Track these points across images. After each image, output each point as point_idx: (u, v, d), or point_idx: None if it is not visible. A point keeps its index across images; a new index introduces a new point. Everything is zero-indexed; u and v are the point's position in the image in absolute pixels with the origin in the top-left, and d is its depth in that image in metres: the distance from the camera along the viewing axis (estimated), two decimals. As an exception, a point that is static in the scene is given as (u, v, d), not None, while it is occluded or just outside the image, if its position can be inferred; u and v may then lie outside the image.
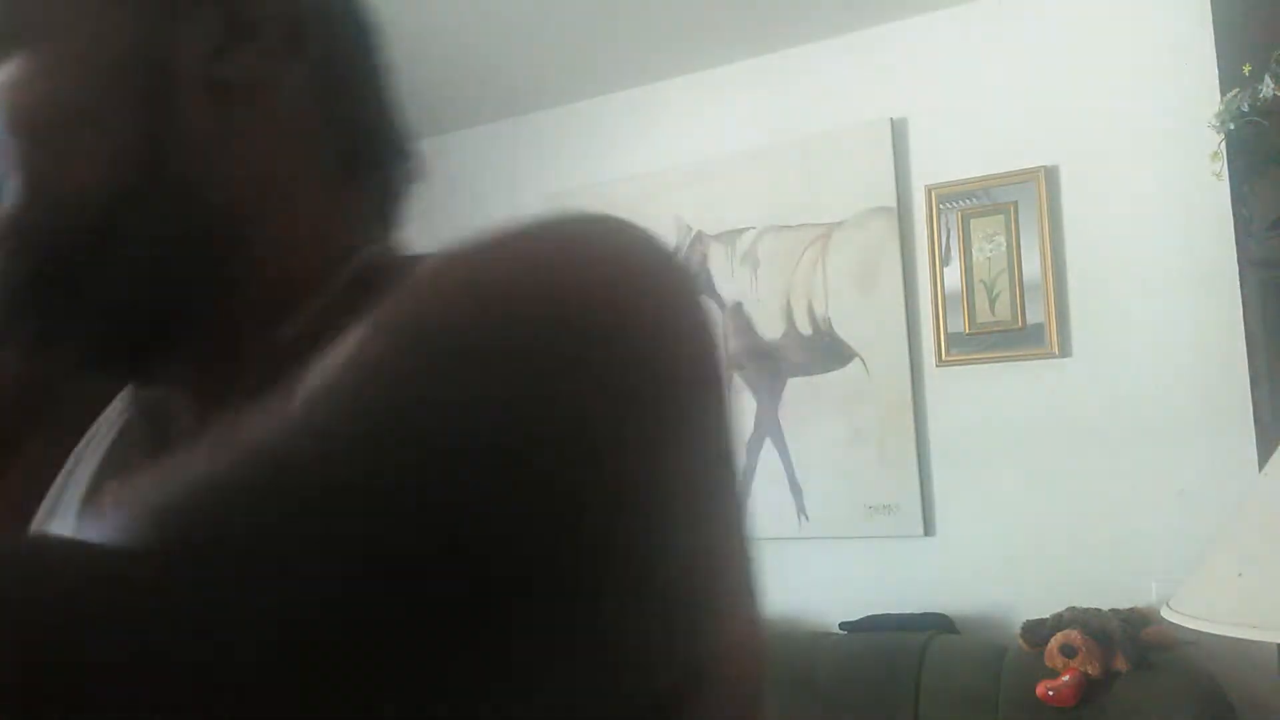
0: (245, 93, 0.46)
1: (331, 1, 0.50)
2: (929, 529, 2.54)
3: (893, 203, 2.61)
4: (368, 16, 0.52)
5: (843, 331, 2.65)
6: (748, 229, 2.79)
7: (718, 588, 0.35)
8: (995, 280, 2.48)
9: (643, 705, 0.33)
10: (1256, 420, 2.08)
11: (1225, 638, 1.27)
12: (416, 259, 0.44)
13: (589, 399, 0.31)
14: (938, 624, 2.38)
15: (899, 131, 2.63)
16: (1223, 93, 2.05)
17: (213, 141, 0.45)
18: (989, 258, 2.49)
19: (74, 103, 0.43)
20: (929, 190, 2.57)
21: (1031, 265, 2.44)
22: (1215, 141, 2.07)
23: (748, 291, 2.78)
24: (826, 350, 2.67)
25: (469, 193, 2.97)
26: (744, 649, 0.38)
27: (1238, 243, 2.11)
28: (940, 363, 2.54)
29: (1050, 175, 2.44)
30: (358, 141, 0.50)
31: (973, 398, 2.51)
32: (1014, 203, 2.47)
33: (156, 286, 0.45)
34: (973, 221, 2.52)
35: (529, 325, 0.31)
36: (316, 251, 0.47)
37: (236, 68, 0.45)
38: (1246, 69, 1.93)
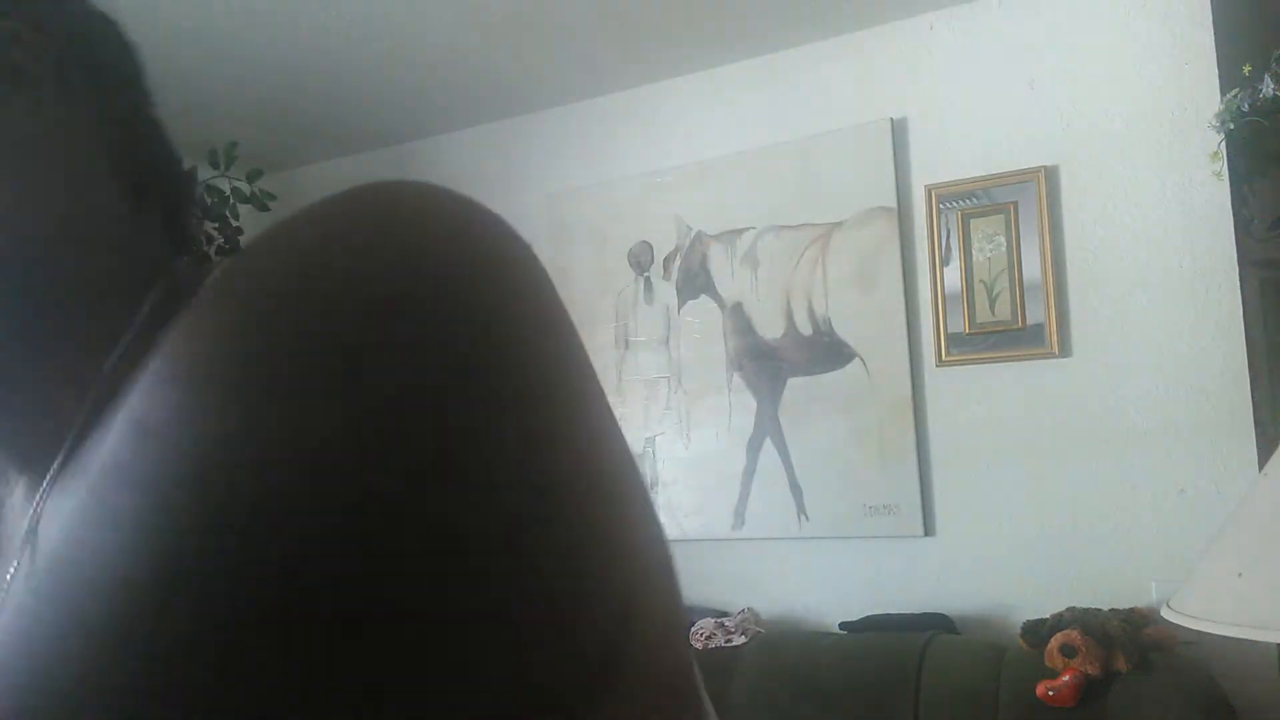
0: (27, 143, 0.46)
1: (94, 34, 0.51)
2: (929, 529, 2.54)
3: (893, 203, 2.61)
4: (127, 41, 0.53)
5: (843, 331, 2.65)
6: (748, 229, 2.79)
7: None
8: (995, 280, 2.48)
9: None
10: (1256, 420, 2.08)
11: (1225, 638, 1.27)
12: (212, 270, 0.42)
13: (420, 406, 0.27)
14: (937, 624, 2.38)
15: (899, 131, 2.63)
16: (1223, 93, 2.05)
17: (7, 203, 0.45)
18: (989, 258, 2.49)
19: None
20: (929, 190, 2.57)
21: (1031, 265, 2.44)
22: (1215, 141, 2.07)
23: (748, 292, 2.78)
24: (826, 350, 2.67)
25: (469, 193, 2.96)
26: (654, 647, 0.32)
27: (1238, 243, 2.11)
28: (940, 363, 2.54)
29: (1050, 175, 2.44)
30: (142, 170, 0.51)
31: (973, 398, 2.51)
32: (1014, 202, 2.47)
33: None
34: (973, 221, 2.52)
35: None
36: (122, 284, 0.47)
37: (10, 122, 0.46)
38: (1247, 69, 1.93)
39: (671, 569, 0.35)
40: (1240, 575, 1.27)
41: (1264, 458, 1.96)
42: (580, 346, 0.32)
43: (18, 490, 0.47)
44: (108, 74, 0.50)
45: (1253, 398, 2.09)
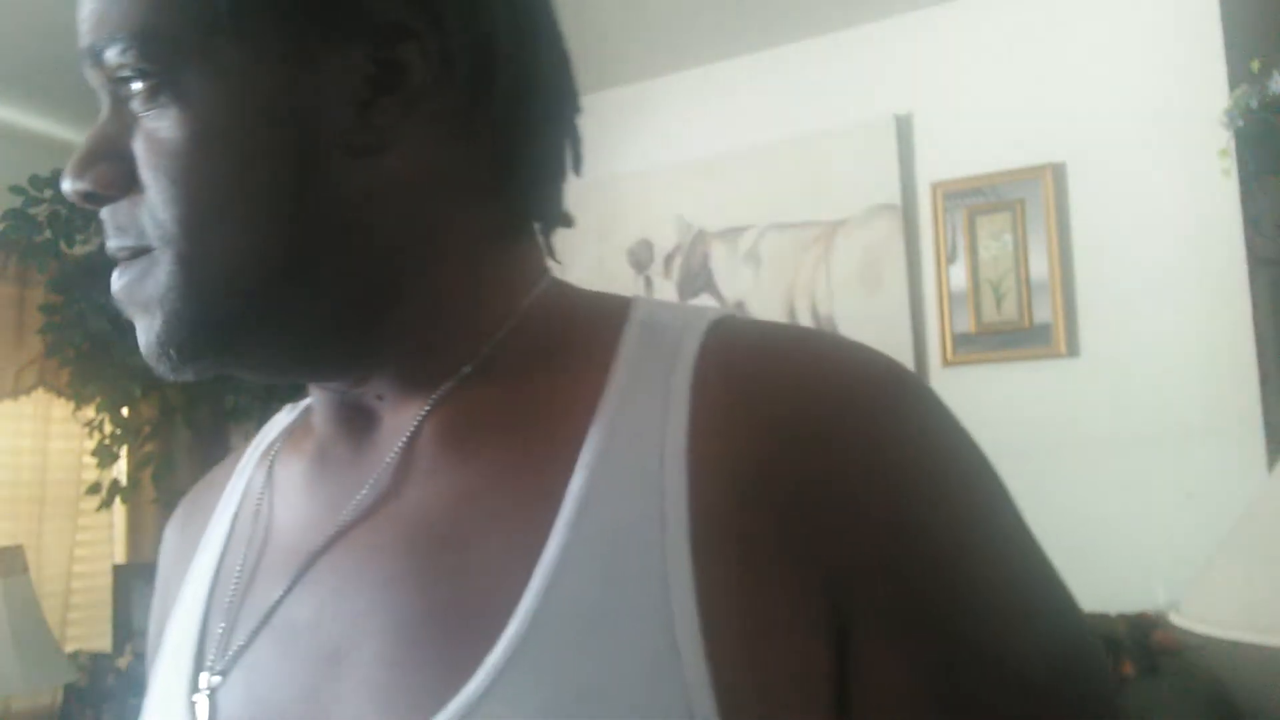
0: (392, 148, 0.44)
1: (505, 36, 0.46)
2: (933, 530, 2.52)
3: (898, 200, 2.58)
4: (558, 50, 0.49)
5: (847, 331, 2.63)
6: (750, 227, 2.77)
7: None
8: (1002, 279, 2.46)
9: None
10: (1266, 422, 2.05)
11: (1234, 643, 1.25)
12: (594, 301, 0.50)
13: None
14: (942, 627, 2.36)
15: (904, 128, 2.61)
16: (1231, 89, 2.02)
17: (359, 203, 0.44)
18: (995, 256, 2.47)
19: (227, 177, 0.42)
20: (934, 187, 2.55)
21: (1038, 264, 2.41)
22: (1224, 138, 2.04)
23: (750, 290, 2.76)
24: (830, 350, 2.65)
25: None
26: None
27: (1247, 241, 2.09)
28: (946, 363, 2.52)
29: (1057, 172, 2.42)
30: (517, 173, 0.48)
31: (979, 398, 2.48)
32: (1021, 200, 2.44)
33: (311, 349, 0.46)
34: (979, 219, 2.49)
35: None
36: (475, 298, 0.48)
37: (378, 129, 0.44)
38: (1255, 65, 1.90)
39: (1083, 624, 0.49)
40: (1250, 580, 1.25)
41: (1273, 459, 1.93)
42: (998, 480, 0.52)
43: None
44: (507, 80, 0.46)
45: (1262, 399, 2.07)
